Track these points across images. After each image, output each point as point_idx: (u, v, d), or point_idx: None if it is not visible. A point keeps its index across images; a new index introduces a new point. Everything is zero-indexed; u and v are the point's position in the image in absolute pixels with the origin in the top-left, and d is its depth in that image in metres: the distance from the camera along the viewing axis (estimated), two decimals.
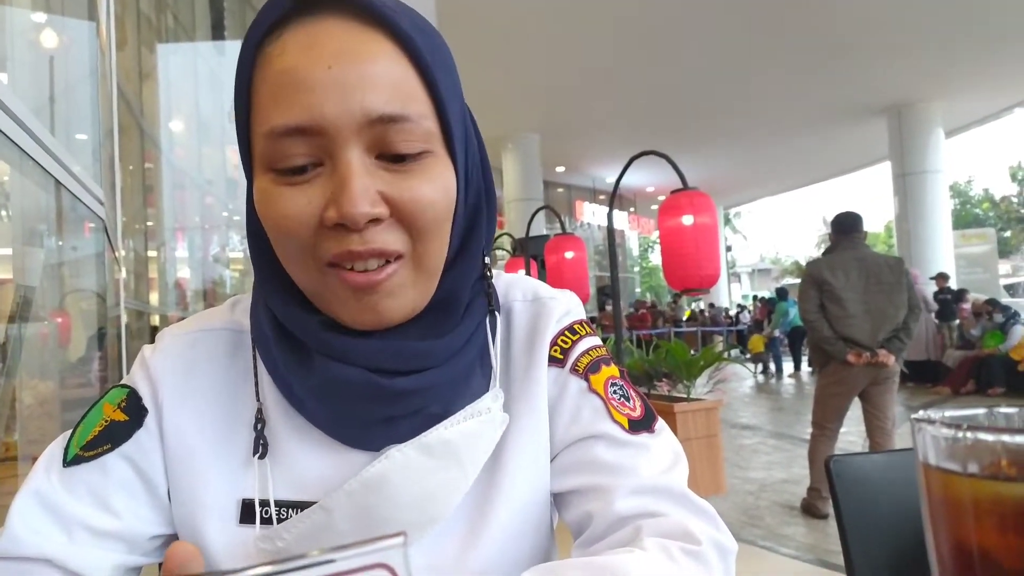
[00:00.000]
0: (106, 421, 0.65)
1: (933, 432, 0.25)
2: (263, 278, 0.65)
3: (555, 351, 0.70)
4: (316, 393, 0.62)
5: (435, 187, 0.58)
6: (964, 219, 32.42)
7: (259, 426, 0.65)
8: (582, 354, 0.71)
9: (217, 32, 6.63)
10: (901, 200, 13.48)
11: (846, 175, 21.06)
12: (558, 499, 0.70)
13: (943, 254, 13.04)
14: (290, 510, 0.63)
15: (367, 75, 0.55)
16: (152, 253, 5.18)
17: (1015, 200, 38.53)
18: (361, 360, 0.60)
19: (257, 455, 0.64)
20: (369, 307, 0.59)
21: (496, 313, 0.69)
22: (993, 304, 9.44)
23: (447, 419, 0.63)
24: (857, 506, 1.23)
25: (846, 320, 3.76)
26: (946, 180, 14.00)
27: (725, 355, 4.47)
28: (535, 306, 0.73)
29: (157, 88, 5.40)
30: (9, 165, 1.57)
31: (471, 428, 0.63)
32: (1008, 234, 33.13)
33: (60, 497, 0.61)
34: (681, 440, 3.46)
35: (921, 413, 0.26)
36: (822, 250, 4.09)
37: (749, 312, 17.77)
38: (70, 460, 0.63)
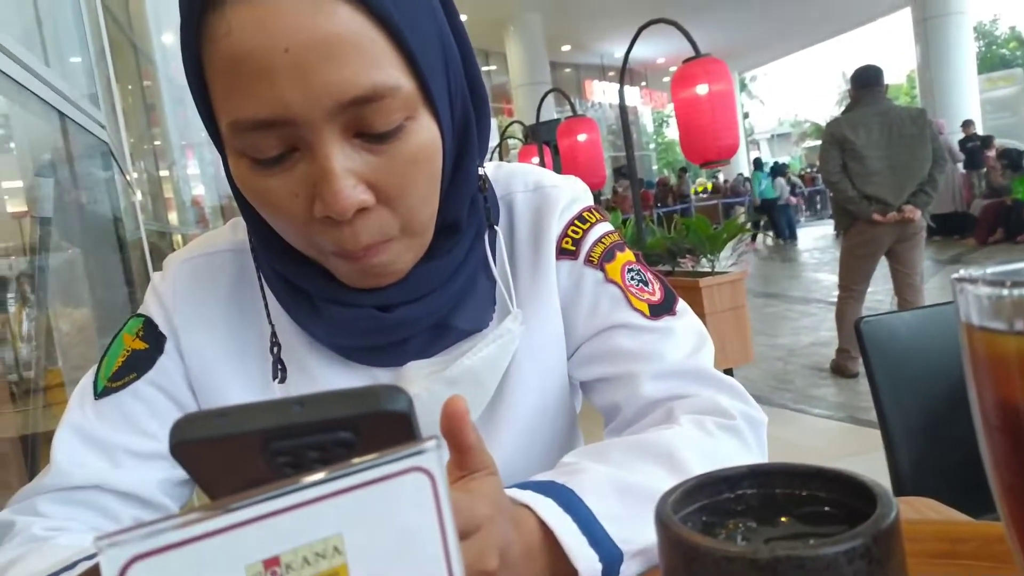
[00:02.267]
0: (128, 351, 0.67)
1: (975, 291, 0.24)
2: (255, 233, 0.64)
3: (566, 243, 0.69)
4: (324, 328, 0.63)
5: (419, 160, 0.55)
6: (989, 62, 30.98)
7: (275, 349, 0.66)
8: (595, 243, 0.69)
9: None
10: (923, 47, 12.89)
11: (864, 26, 20.07)
12: (585, 386, 0.71)
13: (968, 100, 12.58)
14: None
15: (329, 52, 0.48)
16: (164, 173, 5.15)
17: None
18: (367, 301, 0.61)
19: (277, 380, 0.65)
20: (373, 274, 0.59)
21: (495, 228, 0.68)
22: (1008, 155, 9.04)
23: (470, 348, 0.64)
24: (888, 364, 1.25)
25: (869, 178, 3.67)
26: (970, 21, 13.31)
27: (747, 227, 4.41)
28: (537, 196, 0.71)
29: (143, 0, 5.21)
30: (7, 99, 1.54)
31: (493, 352, 0.64)
32: None
33: (97, 428, 0.63)
34: (708, 313, 3.40)
35: (962, 272, 0.25)
36: (842, 108, 3.94)
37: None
38: (100, 392, 0.65)
